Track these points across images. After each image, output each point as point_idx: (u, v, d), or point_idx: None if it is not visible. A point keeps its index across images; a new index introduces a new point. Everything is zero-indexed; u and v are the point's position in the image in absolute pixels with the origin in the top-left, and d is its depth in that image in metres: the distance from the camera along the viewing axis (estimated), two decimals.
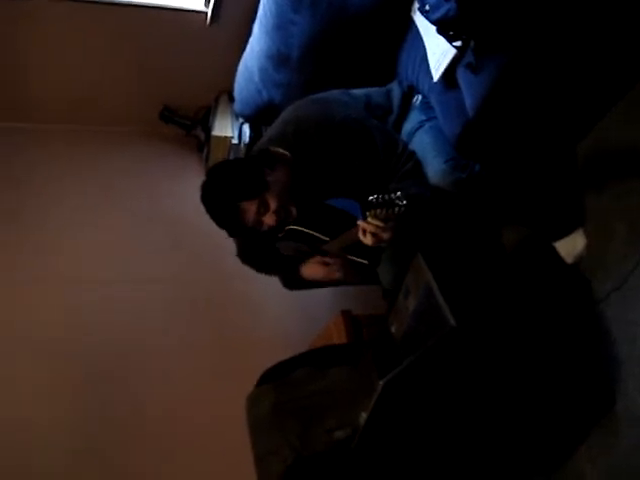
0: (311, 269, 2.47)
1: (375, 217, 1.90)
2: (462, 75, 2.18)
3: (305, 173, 2.19)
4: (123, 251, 3.44)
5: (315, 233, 2.38)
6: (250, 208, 2.10)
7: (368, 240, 2.01)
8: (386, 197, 1.83)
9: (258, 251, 2.56)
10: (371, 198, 1.84)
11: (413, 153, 2.27)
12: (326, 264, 2.42)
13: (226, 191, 2.12)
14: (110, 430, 2.84)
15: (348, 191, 2.28)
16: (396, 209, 1.84)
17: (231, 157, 3.70)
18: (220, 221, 2.18)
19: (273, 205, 2.12)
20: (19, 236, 3.33)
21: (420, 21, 2.45)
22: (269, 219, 2.15)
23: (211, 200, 2.16)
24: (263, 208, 2.12)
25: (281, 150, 2.21)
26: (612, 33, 2.02)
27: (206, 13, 3.42)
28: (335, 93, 2.39)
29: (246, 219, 2.13)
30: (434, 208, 2.20)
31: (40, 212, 3.43)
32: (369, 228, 1.96)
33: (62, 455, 2.73)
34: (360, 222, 1.98)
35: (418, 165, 2.25)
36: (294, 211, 2.20)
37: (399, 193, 1.83)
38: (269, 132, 2.38)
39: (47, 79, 3.59)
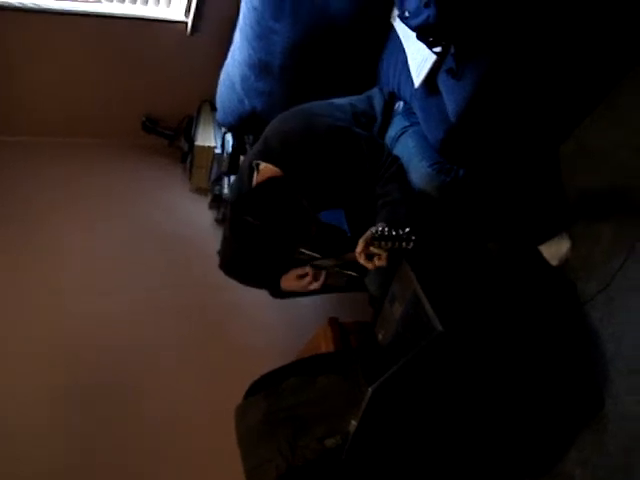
0: (288, 282, 2.46)
1: (379, 247, 1.90)
2: (443, 81, 2.19)
3: (299, 186, 2.18)
4: (109, 262, 3.41)
5: (307, 251, 2.37)
6: (300, 243, 2.14)
7: (370, 266, 2.01)
8: (393, 232, 1.83)
9: (243, 264, 2.55)
10: (377, 230, 1.84)
11: (397, 158, 2.27)
12: (301, 277, 2.40)
13: (285, 237, 2.07)
14: (103, 441, 2.82)
15: (335, 201, 2.28)
16: (403, 244, 1.84)
17: (214, 168, 3.69)
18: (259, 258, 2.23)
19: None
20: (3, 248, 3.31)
21: (400, 27, 2.45)
22: (307, 245, 2.21)
23: (261, 245, 2.08)
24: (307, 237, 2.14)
25: (272, 167, 2.20)
26: (592, 36, 2.04)
27: (186, 23, 3.42)
28: (318, 104, 2.38)
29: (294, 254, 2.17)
30: (419, 212, 2.20)
31: (23, 225, 3.39)
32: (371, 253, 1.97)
33: (59, 459, 2.72)
34: (359, 251, 1.98)
35: (401, 169, 2.25)
36: (314, 229, 2.18)
37: (408, 229, 1.84)
38: (255, 147, 2.37)
39: (28, 92, 3.56)
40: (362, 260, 2.01)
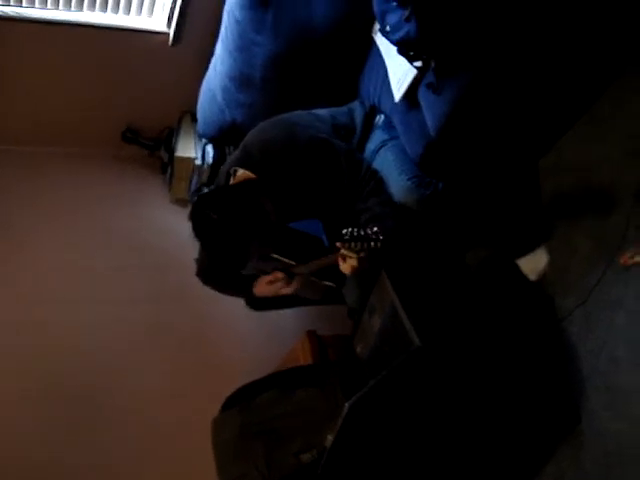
0: (260, 288, 2.44)
1: (349, 249, 1.90)
2: (423, 95, 2.19)
3: (275, 195, 2.17)
4: (87, 273, 3.38)
5: (280, 257, 2.36)
6: (256, 244, 2.08)
7: (346, 269, 2.00)
8: (361, 232, 1.83)
9: (219, 272, 2.53)
10: (345, 231, 1.84)
11: (376, 172, 2.27)
12: (272, 282, 2.39)
13: (237, 236, 2.02)
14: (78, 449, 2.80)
15: (313, 212, 2.27)
16: (372, 243, 1.84)
17: (194, 179, 3.68)
18: (219, 257, 2.15)
19: (275, 236, 2.12)
20: None
21: (381, 42, 2.46)
22: (269, 250, 2.18)
23: (216, 242, 2.06)
24: (267, 241, 2.11)
25: (248, 173, 2.18)
26: (572, 51, 2.06)
27: (168, 34, 3.41)
28: (300, 114, 2.38)
29: (250, 254, 2.13)
30: (401, 231, 2.20)
31: None
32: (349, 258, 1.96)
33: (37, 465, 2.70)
34: (341, 251, 1.97)
35: (381, 183, 2.25)
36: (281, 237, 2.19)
37: (376, 229, 1.84)
38: (234, 154, 2.36)
39: (6, 99, 3.53)
40: (341, 264, 2.01)
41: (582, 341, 2.23)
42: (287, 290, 2.37)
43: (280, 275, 2.34)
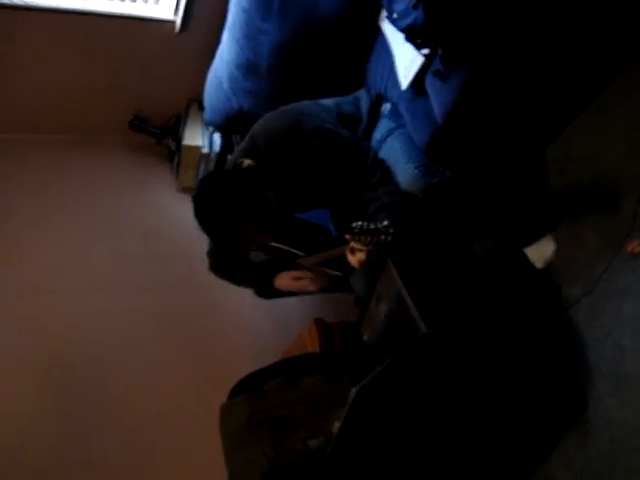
0: (285, 282, 2.46)
1: (358, 242, 1.90)
2: (430, 83, 2.19)
3: (281, 185, 2.17)
4: (92, 260, 3.39)
5: (289, 248, 2.37)
6: (252, 230, 2.05)
7: (355, 261, 2.01)
8: (372, 226, 1.83)
9: (233, 264, 2.54)
10: (355, 225, 1.84)
11: (382, 161, 2.26)
12: (297, 279, 2.40)
13: (235, 215, 2.01)
14: (80, 440, 2.80)
15: (320, 202, 2.27)
16: (382, 237, 1.84)
17: (201, 167, 3.68)
18: (220, 241, 2.12)
19: (274, 224, 2.09)
20: None
21: (388, 29, 2.46)
22: (267, 238, 2.14)
23: (215, 222, 2.05)
24: (264, 228, 2.07)
25: (248, 161, 2.18)
26: (580, 39, 2.05)
27: (175, 22, 3.42)
28: (306, 104, 2.37)
29: (245, 240, 2.08)
30: (409, 219, 2.21)
31: (4, 222, 3.37)
32: (358, 251, 1.97)
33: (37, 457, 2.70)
34: (351, 244, 1.97)
35: (387, 172, 2.24)
36: (286, 228, 2.18)
37: (386, 222, 1.84)
38: (241, 145, 2.36)
39: (14, 88, 3.54)
40: (350, 257, 2.02)
41: (589, 329, 2.23)
42: (313, 288, 2.41)
43: (308, 274, 2.39)
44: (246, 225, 2.00)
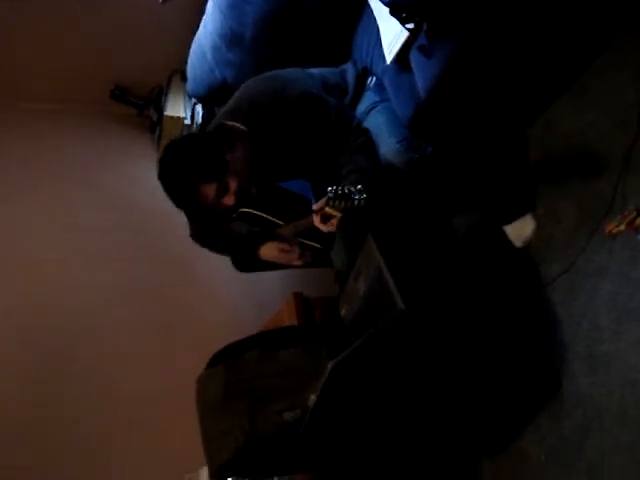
0: (270, 252, 2.44)
1: (333, 207, 1.89)
2: (415, 58, 2.17)
3: (262, 149, 2.16)
4: (69, 231, 3.37)
5: (268, 216, 2.36)
6: (209, 189, 2.03)
7: (324, 227, 2.02)
8: (345, 190, 1.82)
9: (213, 231, 2.53)
10: (330, 189, 1.83)
11: (366, 130, 2.26)
12: (285, 251, 2.39)
13: (185, 172, 2.03)
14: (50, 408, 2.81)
15: (301, 169, 2.27)
16: (355, 202, 1.83)
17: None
18: (178, 201, 2.11)
19: (233, 186, 2.07)
20: None
21: (374, 3, 2.43)
22: (228, 200, 2.10)
23: (169, 180, 2.07)
24: (223, 189, 2.06)
25: (238, 125, 2.16)
26: (565, 18, 2.04)
27: None
28: (291, 70, 2.36)
29: (205, 200, 2.06)
30: (386, 188, 2.20)
31: None
32: (327, 215, 1.98)
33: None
34: (316, 209, 1.98)
35: (370, 141, 2.24)
36: (253, 191, 2.16)
37: (359, 186, 1.83)
38: (224, 108, 2.34)
39: None
40: (317, 221, 2.03)
41: (565, 308, 2.25)
42: (299, 262, 2.42)
43: (297, 248, 2.38)
44: (197, 182, 2.01)
